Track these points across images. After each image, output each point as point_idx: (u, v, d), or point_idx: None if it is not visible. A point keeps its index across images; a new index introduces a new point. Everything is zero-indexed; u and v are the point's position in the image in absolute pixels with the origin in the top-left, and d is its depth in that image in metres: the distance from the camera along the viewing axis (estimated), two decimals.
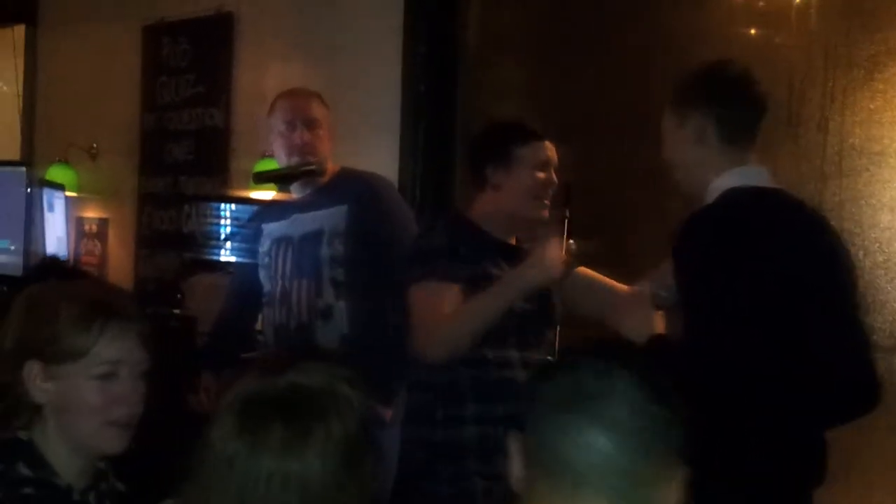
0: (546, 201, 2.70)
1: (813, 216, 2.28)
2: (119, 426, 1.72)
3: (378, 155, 3.92)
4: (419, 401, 2.67)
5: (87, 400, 1.69)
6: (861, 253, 3.19)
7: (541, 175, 2.67)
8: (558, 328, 2.74)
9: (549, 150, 2.71)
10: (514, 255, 2.68)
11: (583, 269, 2.75)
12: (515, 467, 1.35)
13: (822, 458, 2.16)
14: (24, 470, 1.67)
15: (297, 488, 1.32)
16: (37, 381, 1.70)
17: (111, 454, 1.76)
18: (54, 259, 2.24)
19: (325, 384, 1.38)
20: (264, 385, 1.39)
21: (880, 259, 3.18)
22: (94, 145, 5.19)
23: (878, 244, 3.18)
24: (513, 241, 2.75)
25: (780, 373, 2.04)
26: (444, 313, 2.54)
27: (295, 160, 3.15)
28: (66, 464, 1.71)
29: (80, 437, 1.71)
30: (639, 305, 2.29)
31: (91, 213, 5.29)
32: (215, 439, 1.35)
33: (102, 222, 5.24)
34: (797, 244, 2.14)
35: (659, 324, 2.24)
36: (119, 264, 5.14)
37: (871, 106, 3.22)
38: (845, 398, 2.10)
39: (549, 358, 2.67)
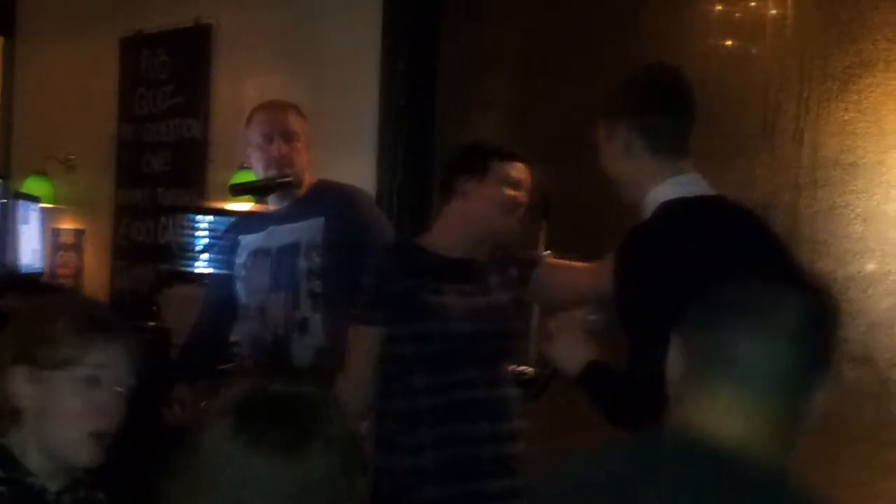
0: (513, 219, 2.68)
1: (750, 223, 2.20)
2: (96, 438, 1.72)
3: (356, 167, 3.92)
4: (380, 428, 2.68)
5: (67, 405, 1.71)
6: (834, 264, 3.21)
7: (511, 192, 2.67)
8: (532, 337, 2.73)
9: (524, 171, 2.71)
10: (462, 272, 2.67)
11: (548, 262, 2.76)
12: (676, 364, 1.46)
13: None
14: None
15: (296, 490, 1.32)
16: (21, 386, 1.71)
17: (86, 466, 1.76)
18: (11, 273, 2.28)
19: (316, 390, 1.40)
20: (257, 388, 1.39)
21: (853, 270, 3.19)
22: (71, 157, 5.17)
23: (851, 254, 3.20)
24: (480, 254, 2.72)
25: None
26: (353, 366, 2.65)
27: (272, 172, 3.15)
28: (40, 467, 1.72)
29: (57, 446, 1.72)
30: (569, 334, 2.21)
31: (67, 225, 5.26)
32: (208, 441, 1.35)
33: (78, 234, 5.22)
34: (734, 254, 2.05)
35: (592, 350, 2.17)
36: (95, 276, 5.11)
37: (846, 117, 3.24)
38: None
39: (522, 369, 2.66)
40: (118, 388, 1.74)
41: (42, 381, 1.71)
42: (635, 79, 2.24)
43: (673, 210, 2.10)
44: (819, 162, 3.28)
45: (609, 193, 2.34)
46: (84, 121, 5.15)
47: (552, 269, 2.75)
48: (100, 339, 1.73)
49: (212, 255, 3.42)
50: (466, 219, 2.68)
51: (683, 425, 1.44)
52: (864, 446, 3.12)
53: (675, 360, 1.47)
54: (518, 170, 2.70)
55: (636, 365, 2.00)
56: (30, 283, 4.32)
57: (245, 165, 3.84)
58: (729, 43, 3.54)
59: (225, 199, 3.83)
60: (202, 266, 3.47)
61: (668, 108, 2.19)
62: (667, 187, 2.13)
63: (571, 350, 2.19)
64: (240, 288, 3.19)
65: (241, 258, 3.21)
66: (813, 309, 1.43)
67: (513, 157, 2.70)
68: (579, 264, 2.75)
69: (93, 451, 1.73)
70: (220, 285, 3.30)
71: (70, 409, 1.71)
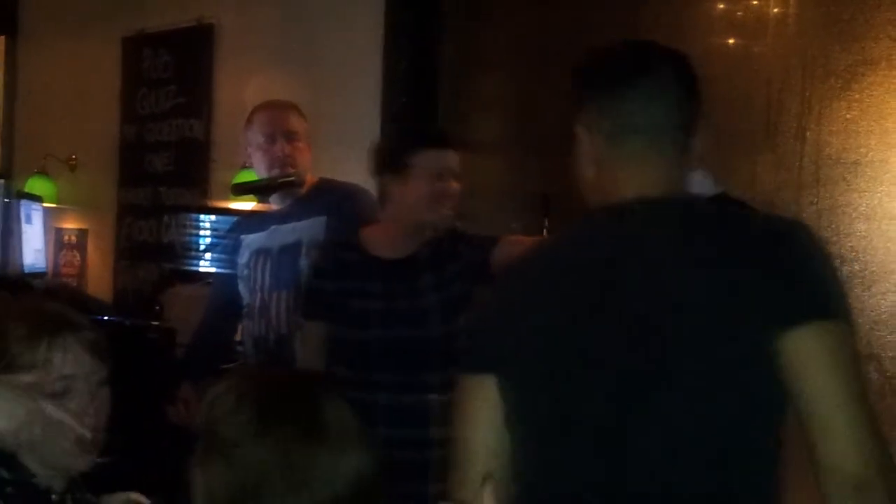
0: (446, 208, 2.63)
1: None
2: (84, 444, 1.70)
3: (358, 167, 3.91)
4: None
5: (47, 420, 1.66)
6: (838, 262, 3.21)
7: (436, 184, 2.61)
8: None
9: (447, 157, 2.64)
10: (395, 273, 2.65)
11: (509, 239, 2.69)
12: (584, 156, 1.63)
13: None
14: (3, 472, 1.67)
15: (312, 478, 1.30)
16: None
17: (81, 470, 1.74)
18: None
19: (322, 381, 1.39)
20: (268, 376, 1.38)
21: (857, 268, 3.20)
22: (74, 156, 5.18)
23: (854, 253, 3.21)
24: (421, 248, 2.68)
25: None
26: (302, 359, 2.73)
27: (275, 172, 3.15)
28: (39, 470, 1.71)
29: (50, 456, 1.70)
30: None
31: (70, 225, 5.27)
32: (219, 425, 1.33)
33: (82, 233, 5.23)
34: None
35: None
36: (98, 275, 5.12)
37: (848, 116, 3.24)
38: None
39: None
40: (91, 386, 1.71)
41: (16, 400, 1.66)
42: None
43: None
44: (821, 160, 3.28)
45: None
46: (86, 120, 5.15)
47: (513, 244, 2.61)
48: (58, 347, 1.68)
49: (214, 255, 3.42)
50: (398, 219, 2.66)
51: (619, 194, 1.56)
52: None
53: (585, 155, 1.62)
54: (439, 158, 2.62)
55: None
56: (16, 283, 4.32)
57: (247, 165, 3.85)
58: (731, 41, 3.54)
59: (227, 199, 3.83)
60: (205, 265, 3.47)
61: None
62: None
63: None
64: (242, 287, 3.19)
65: (243, 258, 3.21)
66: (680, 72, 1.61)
67: (432, 145, 2.65)
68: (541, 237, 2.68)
69: (83, 456, 1.71)
70: (223, 285, 3.30)
71: (51, 424, 1.66)
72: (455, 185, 2.63)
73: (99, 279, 5.11)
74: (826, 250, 1.49)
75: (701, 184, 2.16)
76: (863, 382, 1.39)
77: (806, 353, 1.37)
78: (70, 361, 1.69)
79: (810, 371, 1.36)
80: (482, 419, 1.56)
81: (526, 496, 1.55)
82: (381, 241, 2.69)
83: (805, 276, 1.43)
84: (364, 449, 1.33)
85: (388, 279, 2.64)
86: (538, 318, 1.53)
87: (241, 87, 4.48)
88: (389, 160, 2.66)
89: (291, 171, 3.14)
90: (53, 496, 1.72)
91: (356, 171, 3.78)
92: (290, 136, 3.17)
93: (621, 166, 1.59)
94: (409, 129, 2.72)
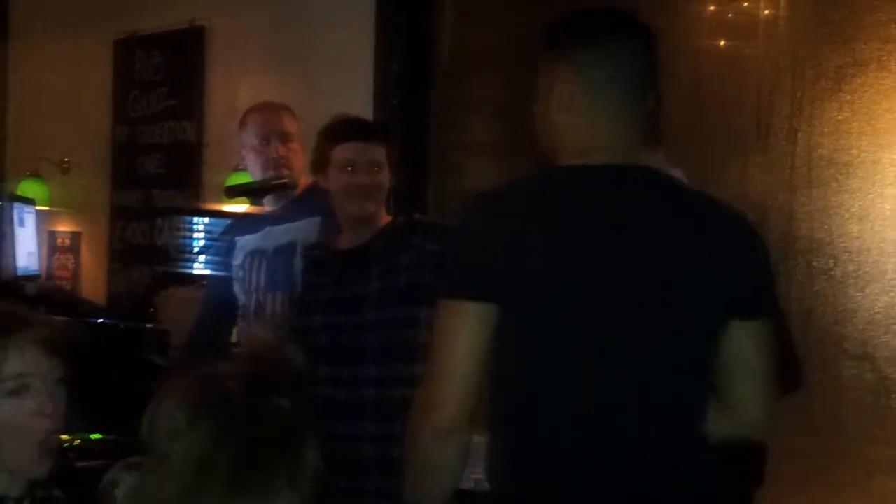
0: (364, 200, 2.70)
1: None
2: (43, 447, 1.67)
3: None
4: None
5: (3, 424, 1.64)
6: (831, 262, 3.23)
7: (350, 175, 2.69)
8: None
9: (361, 149, 2.71)
10: (346, 264, 2.72)
11: None
12: (555, 104, 1.77)
13: (753, 452, 2.09)
14: None
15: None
16: None
17: (41, 476, 1.70)
18: None
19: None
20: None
21: (850, 268, 3.21)
22: (66, 159, 5.17)
23: (847, 254, 3.22)
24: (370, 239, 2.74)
25: None
26: None
27: (270, 173, 3.16)
28: None
29: (9, 462, 1.67)
30: None
31: (63, 227, 5.26)
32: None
33: (75, 236, 5.22)
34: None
35: None
36: (92, 278, 5.11)
37: (839, 117, 3.26)
38: None
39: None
40: (48, 385, 1.68)
41: None
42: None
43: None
44: (813, 161, 3.29)
45: None
46: (78, 123, 5.15)
47: None
48: (11, 347, 1.65)
49: (208, 257, 3.42)
50: (336, 211, 2.78)
51: (588, 140, 1.73)
52: (862, 444, 3.14)
53: (556, 103, 1.76)
54: (355, 151, 2.71)
55: None
56: (8, 286, 4.31)
57: (240, 167, 3.85)
58: (722, 43, 3.55)
59: (220, 202, 3.83)
60: (199, 268, 3.47)
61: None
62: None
63: None
64: (238, 289, 3.20)
65: (237, 259, 3.22)
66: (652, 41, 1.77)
67: (347, 138, 2.72)
68: None
69: (43, 460, 1.67)
70: (217, 287, 3.30)
71: (8, 427, 1.64)
72: (375, 177, 2.71)
73: (92, 282, 5.10)
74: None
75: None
76: (771, 359, 1.74)
77: (747, 337, 1.71)
78: (22, 361, 1.66)
79: (745, 349, 1.71)
80: (464, 344, 1.66)
81: (506, 444, 1.71)
82: (342, 235, 2.82)
83: (762, 274, 1.78)
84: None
85: (340, 270, 2.74)
86: (534, 259, 1.67)
87: (233, 89, 4.48)
88: (314, 158, 2.80)
89: (285, 172, 3.15)
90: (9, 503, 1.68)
91: None
92: (284, 138, 3.17)
93: (595, 113, 1.74)
94: (331, 125, 2.78)
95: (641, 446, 1.67)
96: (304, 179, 3.20)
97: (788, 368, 2.18)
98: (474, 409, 1.67)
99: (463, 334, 1.66)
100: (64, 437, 2.57)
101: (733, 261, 1.70)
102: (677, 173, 2.12)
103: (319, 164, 2.77)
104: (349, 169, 2.70)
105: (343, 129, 2.76)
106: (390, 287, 2.65)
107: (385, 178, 2.74)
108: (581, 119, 1.75)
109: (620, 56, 1.74)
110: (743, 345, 1.70)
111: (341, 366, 2.65)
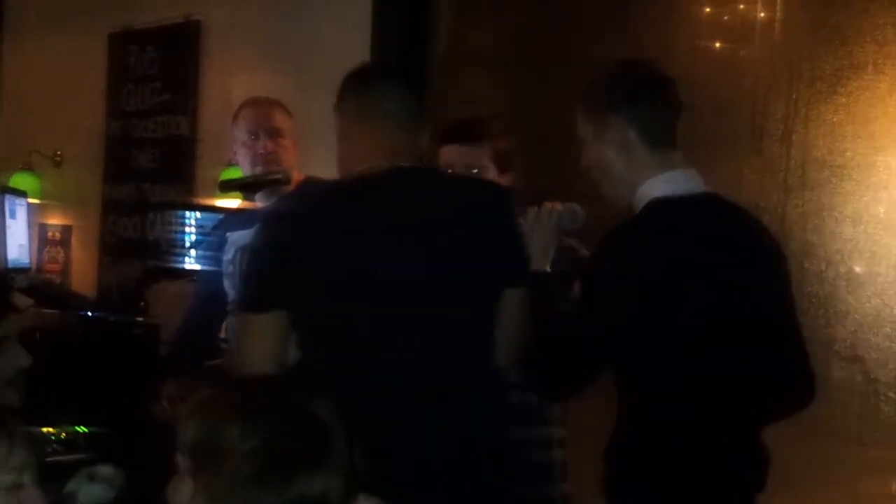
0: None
1: (742, 224, 2.18)
2: None
3: None
4: None
5: None
6: (823, 265, 3.23)
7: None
8: None
9: (452, 152, 2.73)
10: None
11: None
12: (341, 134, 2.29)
13: (760, 460, 2.12)
14: None
15: None
16: None
17: None
18: None
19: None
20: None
21: (842, 270, 3.21)
22: (59, 152, 5.16)
23: (840, 255, 3.22)
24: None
25: (714, 372, 2.03)
26: None
27: (258, 170, 3.15)
28: None
29: None
30: (543, 227, 2.33)
31: (55, 221, 5.25)
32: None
33: (66, 229, 5.21)
34: (726, 252, 2.09)
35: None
36: (82, 271, 5.10)
37: (834, 119, 3.26)
38: (782, 392, 2.14)
39: None
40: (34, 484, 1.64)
41: None
42: (623, 72, 2.20)
43: (668, 208, 2.08)
44: (808, 164, 3.29)
45: (594, 188, 2.34)
46: (72, 116, 5.13)
47: None
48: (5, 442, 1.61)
49: (200, 252, 3.41)
50: None
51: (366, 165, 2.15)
52: (851, 446, 3.14)
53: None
54: (450, 153, 2.72)
55: (584, 323, 2.08)
56: None
57: (233, 162, 3.84)
58: (718, 44, 3.55)
59: (213, 196, 3.82)
60: (190, 262, 3.46)
61: (662, 97, 2.15)
62: (660, 182, 2.10)
63: (544, 242, 2.31)
64: (228, 284, 3.18)
65: (228, 254, 3.20)
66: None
67: (446, 140, 2.73)
68: None
69: None
70: (208, 282, 3.29)
71: None
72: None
73: (83, 275, 5.09)
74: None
75: (689, 180, 2.15)
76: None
77: (511, 302, 2.16)
78: (20, 462, 1.61)
79: (512, 312, 2.16)
80: (258, 348, 2.09)
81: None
82: None
83: (522, 249, 2.22)
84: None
85: None
86: (336, 256, 2.06)
87: (227, 84, 4.48)
88: (427, 160, 2.80)
89: (278, 168, 3.14)
90: None
91: None
92: (274, 133, 3.17)
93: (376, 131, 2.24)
94: (442, 126, 2.81)
95: (442, 386, 2.07)
96: (298, 175, 3.19)
97: (800, 382, 2.20)
98: None
99: (255, 341, 2.10)
100: (51, 429, 2.58)
101: (501, 240, 2.17)
102: (692, 174, 2.15)
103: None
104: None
105: (445, 132, 2.75)
106: None
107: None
108: (368, 135, 2.23)
109: (394, 94, 2.25)
110: (512, 305, 2.16)
111: None
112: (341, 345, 2.07)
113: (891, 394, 3.08)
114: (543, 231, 2.34)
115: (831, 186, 3.25)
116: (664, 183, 2.10)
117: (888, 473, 3.08)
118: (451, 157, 2.70)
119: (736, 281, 2.06)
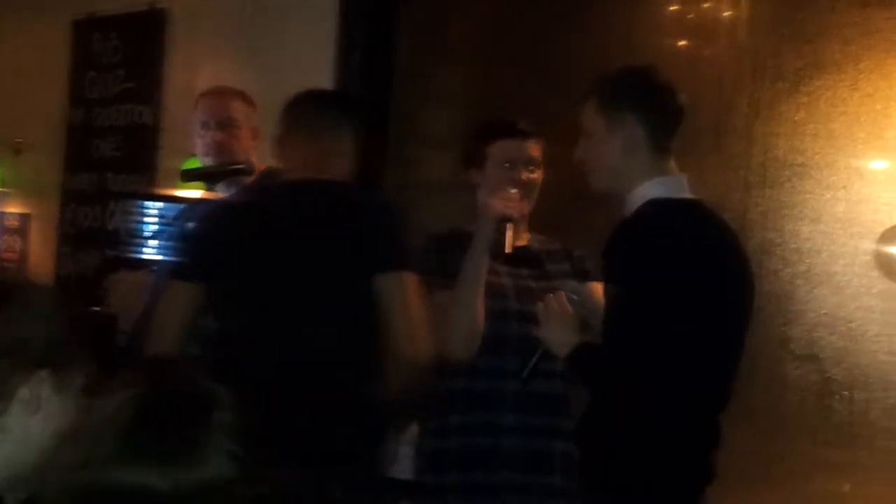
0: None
1: (726, 229, 2.31)
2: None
3: None
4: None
5: None
6: (781, 263, 3.24)
7: (510, 171, 2.73)
8: None
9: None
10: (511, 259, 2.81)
11: None
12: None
13: (706, 453, 2.16)
14: None
15: None
16: None
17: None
18: None
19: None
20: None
21: (801, 269, 3.23)
22: (19, 140, 5.09)
23: (798, 254, 3.24)
24: None
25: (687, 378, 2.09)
26: None
27: (208, 160, 3.17)
28: None
29: None
30: (558, 316, 2.29)
31: (13, 209, 5.18)
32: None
33: (24, 218, 5.14)
34: (715, 257, 2.20)
35: (576, 328, 2.27)
36: (40, 261, 5.04)
37: (796, 118, 3.27)
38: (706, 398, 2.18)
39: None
40: None
41: None
42: (642, 75, 2.27)
43: (663, 210, 2.17)
44: (768, 162, 3.31)
45: (568, 187, 2.36)
46: (33, 103, 5.07)
47: None
48: None
49: (161, 242, 3.39)
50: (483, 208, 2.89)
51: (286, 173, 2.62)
52: (806, 444, 3.16)
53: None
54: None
55: (623, 343, 2.10)
56: None
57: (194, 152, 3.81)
58: (682, 41, 3.56)
59: (175, 186, 3.79)
60: (151, 252, 3.44)
61: (675, 105, 2.24)
62: (655, 185, 2.18)
63: (561, 332, 2.26)
64: None
65: None
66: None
67: (508, 134, 2.73)
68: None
69: None
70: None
71: None
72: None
73: (41, 265, 5.02)
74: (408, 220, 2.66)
75: (683, 186, 2.24)
76: (419, 304, 2.46)
77: (389, 288, 2.44)
78: None
79: (393, 297, 2.43)
80: (181, 312, 2.54)
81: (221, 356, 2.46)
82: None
83: (397, 241, 2.50)
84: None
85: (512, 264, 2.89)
86: (240, 252, 2.51)
87: (191, 73, 4.43)
88: (467, 151, 2.89)
89: (241, 159, 3.13)
90: None
91: None
92: (226, 124, 3.17)
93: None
94: (489, 120, 2.92)
95: (317, 367, 2.40)
96: (260, 166, 3.17)
97: None
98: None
99: (171, 302, 2.58)
100: None
101: (371, 236, 2.47)
102: (685, 181, 2.25)
103: (474, 158, 2.74)
104: (507, 165, 2.69)
105: (493, 128, 2.75)
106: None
107: (539, 176, 2.73)
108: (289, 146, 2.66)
109: (326, 114, 2.66)
110: (391, 292, 2.42)
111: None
112: (232, 321, 2.53)
113: (845, 393, 3.11)
114: (559, 319, 2.30)
115: (791, 185, 3.27)
116: (660, 186, 2.18)
117: (841, 472, 3.10)
118: (511, 151, 2.70)
119: (734, 281, 2.19)
